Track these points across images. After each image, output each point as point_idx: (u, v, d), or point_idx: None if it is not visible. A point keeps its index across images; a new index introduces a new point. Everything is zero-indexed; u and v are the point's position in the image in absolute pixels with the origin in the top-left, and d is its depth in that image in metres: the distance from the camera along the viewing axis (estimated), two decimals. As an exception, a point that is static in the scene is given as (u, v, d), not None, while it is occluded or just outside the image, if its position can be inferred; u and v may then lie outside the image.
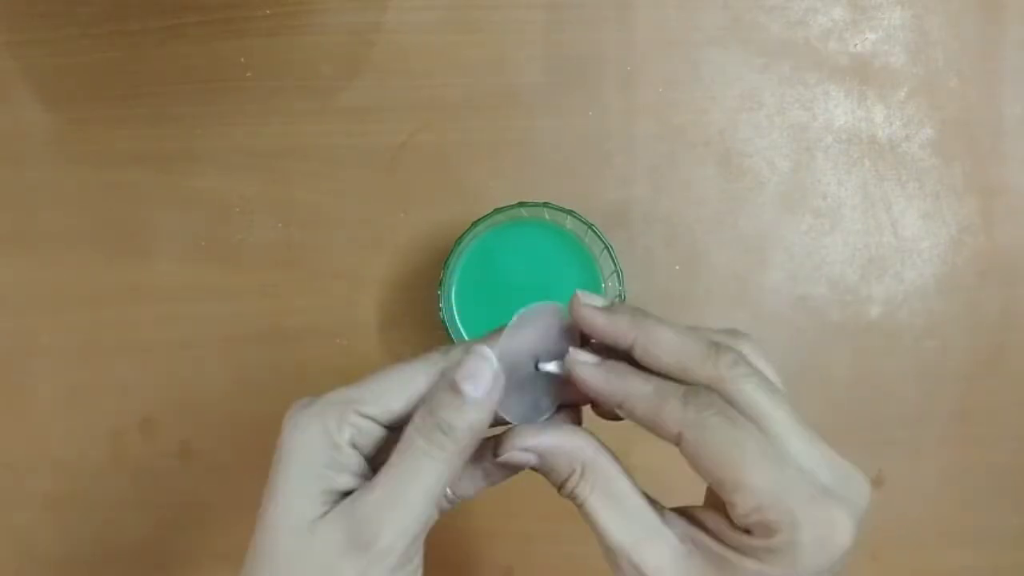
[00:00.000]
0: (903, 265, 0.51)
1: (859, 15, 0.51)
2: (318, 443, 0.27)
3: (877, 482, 0.51)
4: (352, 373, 0.51)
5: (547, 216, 0.47)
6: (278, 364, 0.51)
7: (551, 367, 0.29)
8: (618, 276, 0.46)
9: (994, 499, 0.51)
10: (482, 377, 0.26)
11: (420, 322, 0.51)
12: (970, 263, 0.51)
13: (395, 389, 0.28)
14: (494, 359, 0.27)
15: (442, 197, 0.51)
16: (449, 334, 0.46)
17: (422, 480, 0.26)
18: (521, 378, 0.29)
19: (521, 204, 0.45)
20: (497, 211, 0.45)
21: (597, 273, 0.47)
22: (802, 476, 0.26)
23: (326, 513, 0.26)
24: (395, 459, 0.27)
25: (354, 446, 0.27)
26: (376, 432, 0.28)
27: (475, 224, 0.45)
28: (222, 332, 0.51)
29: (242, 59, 0.51)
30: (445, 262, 0.46)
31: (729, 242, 0.51)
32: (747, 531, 0.26)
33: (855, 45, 0.51)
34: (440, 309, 0.46)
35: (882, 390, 0.51)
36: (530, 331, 0.29)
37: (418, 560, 0.28)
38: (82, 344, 0.51)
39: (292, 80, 0.51)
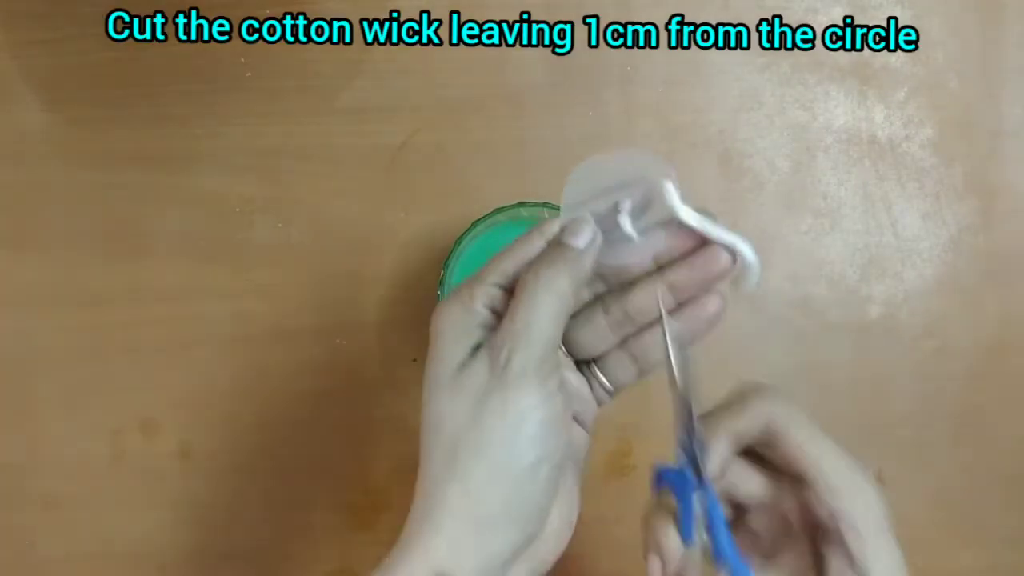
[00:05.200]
0: (903, 265, 0.51)
1: (859, 15, 0.51)
2: (458, 313, 0.32)
3: (877, 482, 0.51)
4: (352, 373, 0.51)
5: (547, 216, 0.47)
6: (278, 364, 0.51)
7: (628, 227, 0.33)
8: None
9: (994, 499, 0.51)
10: (582, 231, 0.32)
11: (420, 322, 0.50)
12: (970, 263, 0.51)
13: (510, 259, 0.33)
14: (591, 221, 0.32)
15: (442, 197, 0.51)
16: (449, 334, 0.46)
17: (541, 305, 0.30)
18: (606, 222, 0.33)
19: (521, 204, 0.45)
20: (497, 211, 0.45)
21: (597, 273, 0.47)
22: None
23: (472, 355, 0.31)
24: (516, 297, 0.31)
25: (485, 306, 0.32)
26: (500, 293, 0.32)
27: (475, 224, 0.45)
28: (222, 332, 0.51)
29: (242, 59, 0.51)
30: (445, 262, 0.46)
31: (729, 242, 0.51)
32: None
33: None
34: (440, 309, 0.46)
35: (882, 390, 0.51)
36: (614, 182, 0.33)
37: (554, 383, 0.31)
38: (82, 344, 0.51)
39: (292, 80, 0.51)
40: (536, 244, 0.33)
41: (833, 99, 0.51)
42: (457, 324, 0.32)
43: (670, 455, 0.50)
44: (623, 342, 0.34)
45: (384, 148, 0.51)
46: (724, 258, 0.32)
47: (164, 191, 0.51)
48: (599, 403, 0.36)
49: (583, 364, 0.35)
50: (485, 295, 0.32)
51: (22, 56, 0.52)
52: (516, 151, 0.51)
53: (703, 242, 0.32)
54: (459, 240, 0.45)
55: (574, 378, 0.35)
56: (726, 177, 0.51)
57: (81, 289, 0.51)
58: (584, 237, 0.32)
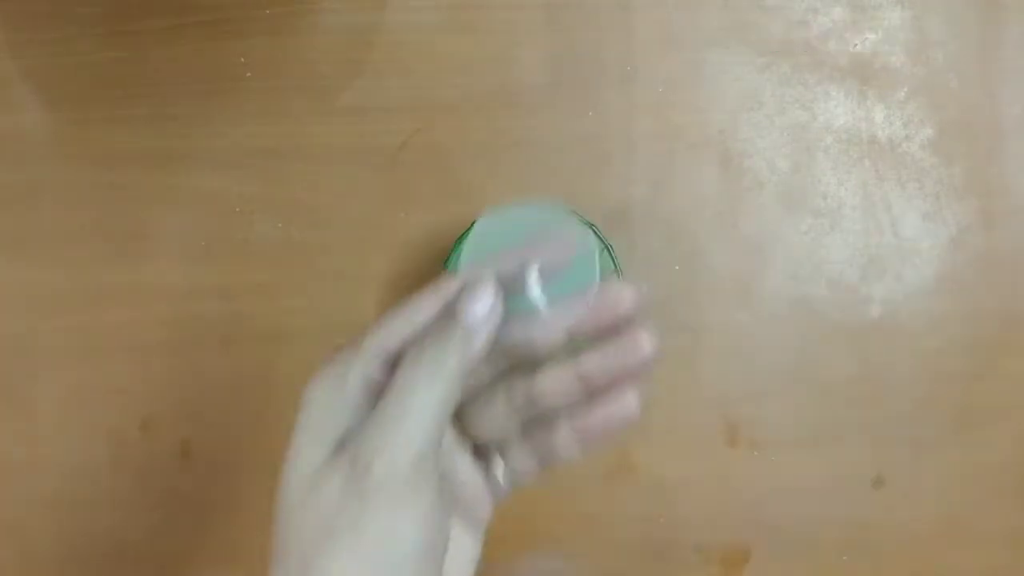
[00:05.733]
0: (903, 265, 0.51)
1: (859, 15, 0.51)
2: (329, 390, 0.27)
3: (877, 482, 0.51)
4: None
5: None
6: (278, 364, 0.51)
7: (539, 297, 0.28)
8: (618, 276, 0.46)
9: (994, 499, 0.51)
10: (481, 297, 0.27)
11: (420, 322, 0.51)
12: (970, 263, 0.51)
13: (397, 322, 0.27)
14: (494, 284, 0.27)
15: (442, 197, 0.51)
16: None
17: (420, 394, 0.25)
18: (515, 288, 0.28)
19: (521, 204, 0.45)
20: (497, 211, 0.45)
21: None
22: None
23: (335, 453, 0.26)
24: (393, 380, 0.26)
25: (361, 383, 0.27)
26: (381, 366, 0.27)
27: (475, 224, 0.45)
28: (222, 332, 0.51)
29: (242, 59, 0.51)
30: (445, 262, 0.46)
31: (729, 242, 0.51)
32: None
33: (855, 45, 0.51)
34: (440, 309, 0.46)
35: (882, 390, 0.51)
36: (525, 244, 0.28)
37: (428, 498, 0.25)
38: (82, 344, 0.51)
39: (292, 80, 0.51)
40: (429, 306, 0.27)
41: (833, 99, 0.51)
42: (325, 407, 0.26)
43: (670, 455, 0.51)
44: (525, 429, 0.29)
45: (384, 148, 0.51)
46: (645, 346, 0.27)
47: (164, 191, 0.51)
48: (496, 498, 0.30)
49: (480, 448, 0.30)
50: (363, 368, 0.27)
51: (22, 56, 0.52)
52: (516, 151, 0.51)
53: (623, 321, 0.28)
54: (459, 240, 0.45)
55: (465, 468, 0.29)
56: (726, 177, 0.51)
57: (81, 289, 0.51)
58: (483, 304, 0.26)
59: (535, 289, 0.28)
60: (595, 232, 0.45)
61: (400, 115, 0.51)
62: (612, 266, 0.46)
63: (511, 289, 0.28)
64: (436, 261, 0.49)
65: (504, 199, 0.46)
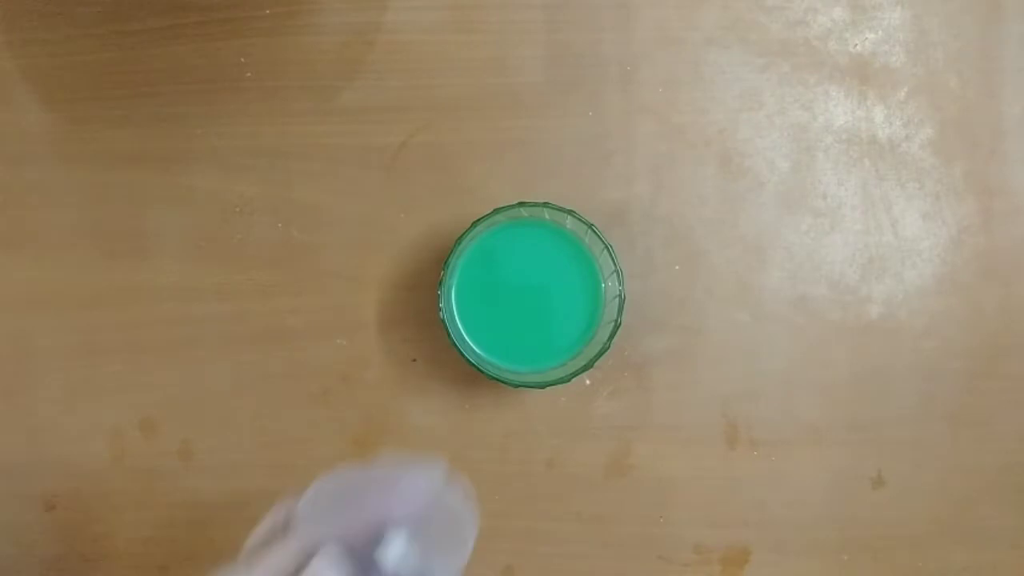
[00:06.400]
0: (903, 265, 0.51)
1: (859, 15, 0.51)
2: None
3: (877, 482, 0.51)
4: (352, 373, 0.51)
5: (547, 216, 0.47)
6: (278, 364, 0.51)
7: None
8: (618, 276, 0.46)
9: (994, 499, 0.51)
10: None
11: (420, 322, 0.51)
12: (970, 263, 0.51)
13: None
14: (340, 562, 0.23)
15: (442, 197, 0.51)
16: (449, 334, 0.46)
17: None
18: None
19: (521, 204, 0.46)
20: (497, 211, 0.45)
21: (597, 273, 0.47)
22: None
23: None
24: None
25: None
26: None
27: (475, 224, 0.45)
28: (222, 332, 0.51)
29: (242, 59, 0.51)
30: (445, 262, 0.46)
31: (729, 242, 0.51)
32: None
33: (855, 45, 0.51)
34: (440, 309, 0.46)
35: (882, 390, 0.51)
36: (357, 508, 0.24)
37: None
38: (82, 344, 0.51)
39: (292, 80, 0.51)
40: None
41: (833, 99, 0.51)
42: None
43: (670, 455, 0.51)
44: None
45: (384, 148, 0.51)
46: None
47: (164, 191, 0.51)
48: None
49: None
50: None
51: (22, 56, 0.52)
52: (516, 151, 0.51)
53: None
54: (459, 240, 0.46)
55: None
56: (726, 177, 0.51)
57: (81, 289, 0.51)
58: None
59: (390, 561, 0.23)
60: (595, 232, 0.46)
61: (400, 115, 0.51)
62: (612, 266, 0.46)
63: (361, 562, 0.23)
64: (436, 261, 0.49)
65: (504, 199, 0.46)
